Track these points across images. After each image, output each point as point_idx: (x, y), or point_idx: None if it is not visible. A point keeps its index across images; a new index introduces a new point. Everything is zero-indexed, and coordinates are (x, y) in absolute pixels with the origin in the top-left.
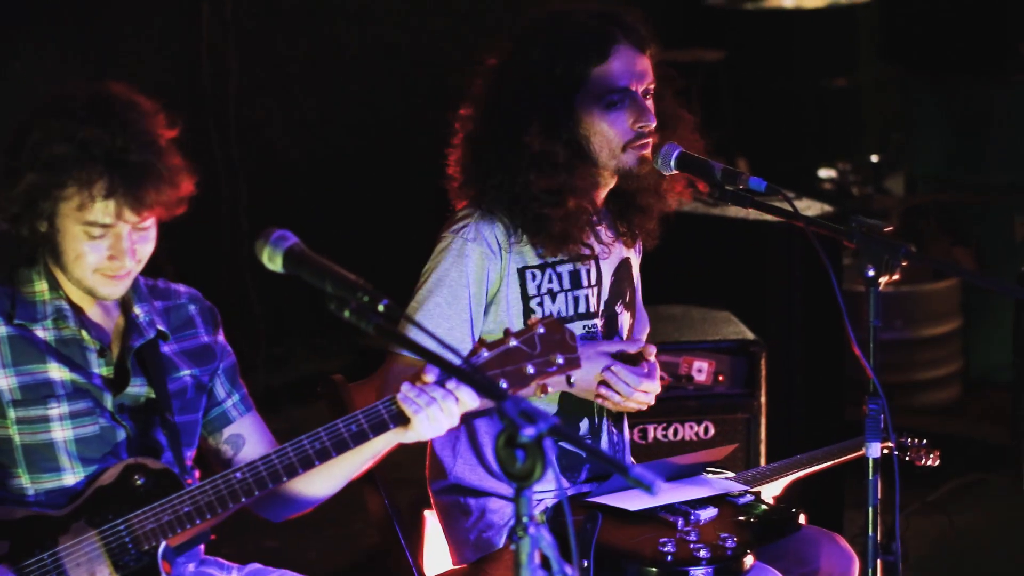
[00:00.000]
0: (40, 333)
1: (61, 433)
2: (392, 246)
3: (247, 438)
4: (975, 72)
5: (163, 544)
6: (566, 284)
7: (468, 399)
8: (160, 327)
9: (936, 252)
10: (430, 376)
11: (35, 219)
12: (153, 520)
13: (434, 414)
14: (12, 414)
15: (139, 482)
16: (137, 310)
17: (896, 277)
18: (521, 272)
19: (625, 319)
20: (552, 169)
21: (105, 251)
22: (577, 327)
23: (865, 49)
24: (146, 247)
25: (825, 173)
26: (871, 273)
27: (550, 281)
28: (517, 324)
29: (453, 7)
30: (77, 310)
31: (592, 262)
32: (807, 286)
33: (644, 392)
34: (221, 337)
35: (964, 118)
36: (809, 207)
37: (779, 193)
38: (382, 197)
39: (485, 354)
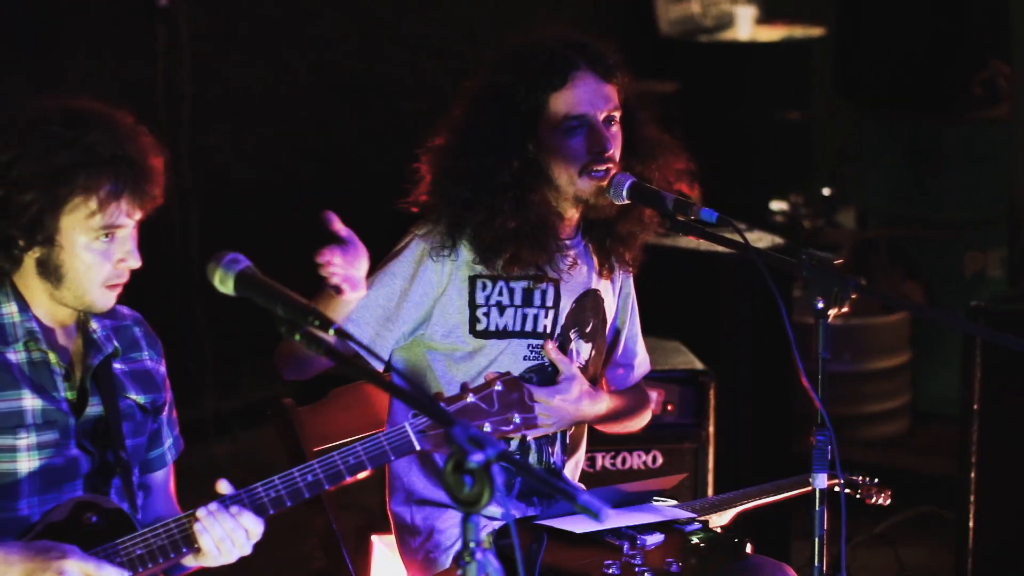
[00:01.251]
0: (12, 357)
1: (27, 464)
2: None
3: (156, 489)
4: (927, 109)
5: None
6: (517, 300)
7: (254, 526)
8: (115, 343)
9: (886, 286)
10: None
11: (29, 242)
12: (105, 561)
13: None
14: None
15: (91, 520)
16: (94, 325)
17: (845, 310)
18: (472, 280)
19: (582, 348)
20: (513, 192)
21: (115, 255)
22: (521, 345)
23: (819, 83)
24: (138, 262)
25: (777, 206)
26: (820, 305)
27: (500, 294)
28: (461, 331)
29: (405, 35)
30: (46, 331)
31: (550, 284)
32: (758, 317)
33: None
34: (163, 368)
35: (916, 154)
36: (760, 239)
37: (730, 224)
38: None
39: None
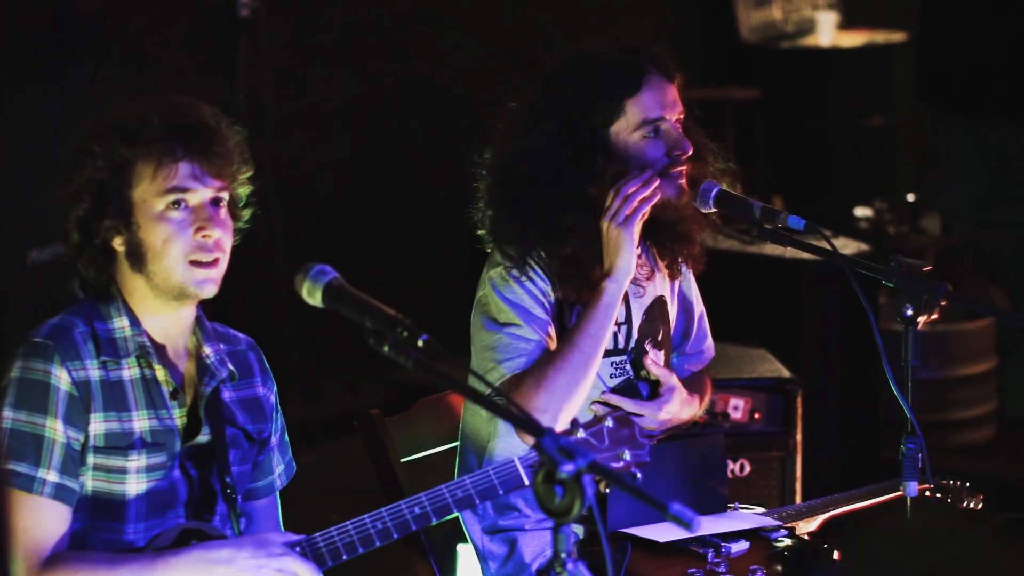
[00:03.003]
0: (124, 373)
1: (135, 486)
2: (425, 282)
3: (260, 516)
4: (1011, 113)
5: None
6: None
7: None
8: (231, 367)
9: (971, 292)
10: None
11: (107, 228)
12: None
13: None
14: (91, 459)
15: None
16: (207, 350)
17: (935, 316)
18: (560, 303)
19: (656, 357)
20: (589, 205)
21: (190, 226)
22: (605, 365)
23: (901, 89)
24: (227, 233)
25: (861, 212)
26: (910, 312)
27: (575, 318)
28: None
29: (489, 45)
30: (157, 348)
31: (621, 301)
32: (843, 324)
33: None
34: (274, 397)
35: (1000, 159)
36: (846, 246)
37: (817, 232)
38: (416, 233)
39: None
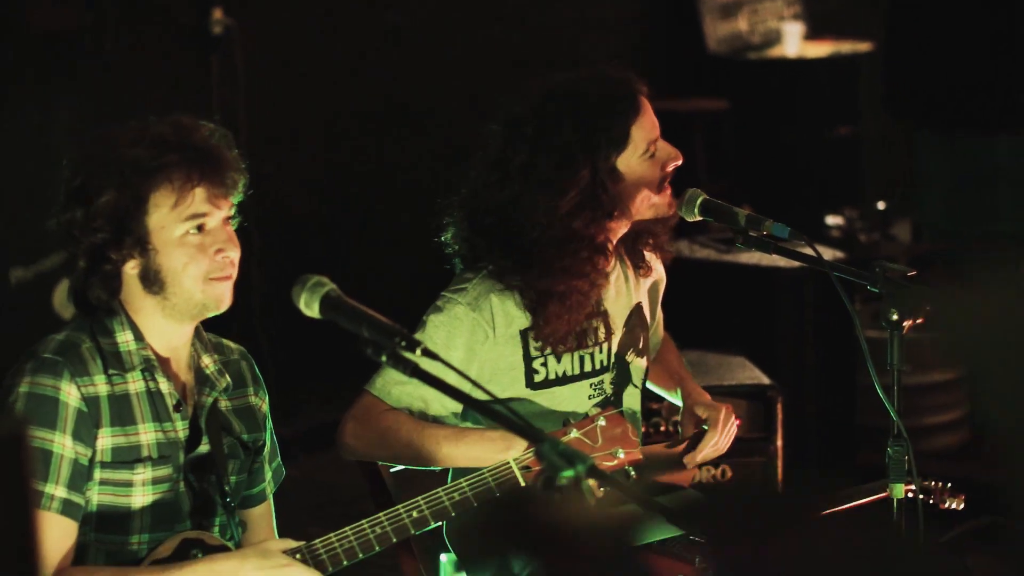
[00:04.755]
0: (130, 387)
1: (141, 499)
2: (400, 299)
3: (257, 523)
4: (979, 123)
5: None
6: (572, 344)
7: None
8: (228, 377)
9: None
10: None
11: (120, 251)
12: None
13: None
14: (98, 475)
15: (196, 557)
16: (206, 360)
17: (920, 321)
18: (524, 334)
19: (638, 364)
20: (588, 248)
21: (210, 247)
22: (583, 386)
23: (868, 99)
24: (238, 250)
25: (832, 220)
26: (895, 317)
27: (560, 348)
28: (517, 387)
29: (466, 66)
30: (161, 361)
31: (600, 318)
32: (818, 331)
33: None
34: (266, 406)
35: (969, 167)
36: (823, 253)
37: (802, 239)
38: (390, 250)
39: None
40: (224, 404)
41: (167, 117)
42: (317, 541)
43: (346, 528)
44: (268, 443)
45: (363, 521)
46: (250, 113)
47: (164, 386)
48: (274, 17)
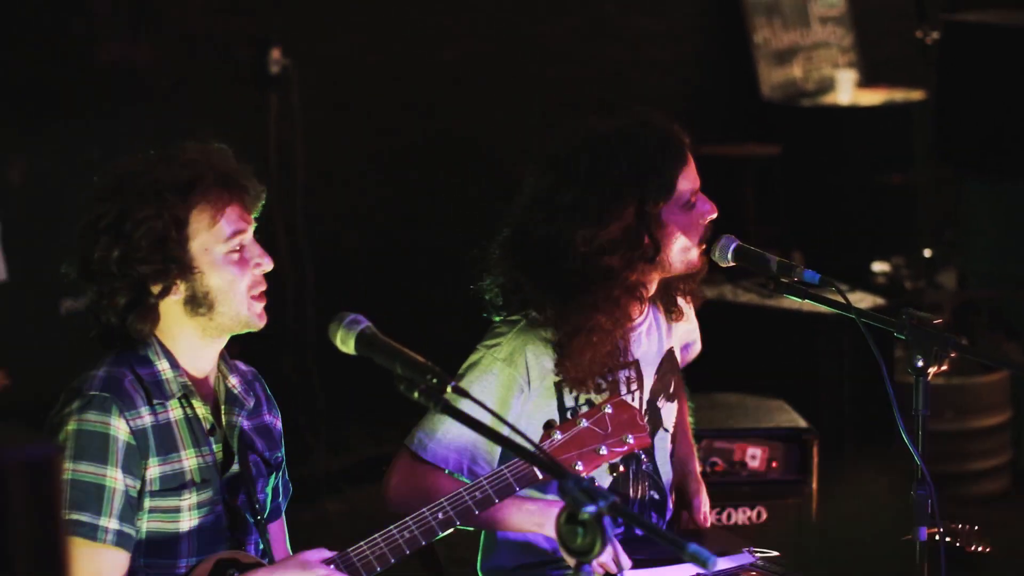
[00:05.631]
0: (171, 415)
1: (188, 523)
2: (454, 332)
3: (275, 538)
4: None
5: None
6: (604, 393)
7: None
8: (253, 397)
9: (987, 346)
10: None
11: (166, 283)
12: None
13: None
14: (147, 503)
15: None
16: (232, 380)
17: (944, 368)
18: (557, 387)
19: (669, 409)
20: (621, 286)
21: (248, 263)
22: None
23: (919, 146)
24: (271, 262)
25: (878, 267)
26: (920, 363)
27: (586, 391)
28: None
29: (521, 105)
30: (196, 384)
31: (632, 367)
32: (858, 376)
33: None
34: (279, 422)
35: (1016, 215)
36: (862, 300)
37: (832, 285)
38: (446, 288)
39: (558, 436)
40: (246, 423)
41: (180, 143)
42: (349, 550)
43: (376, 535)
44: (284, 462)
45: (391, 527)
46: (307, 151)
47: (200, 411)
48: (331, 56)
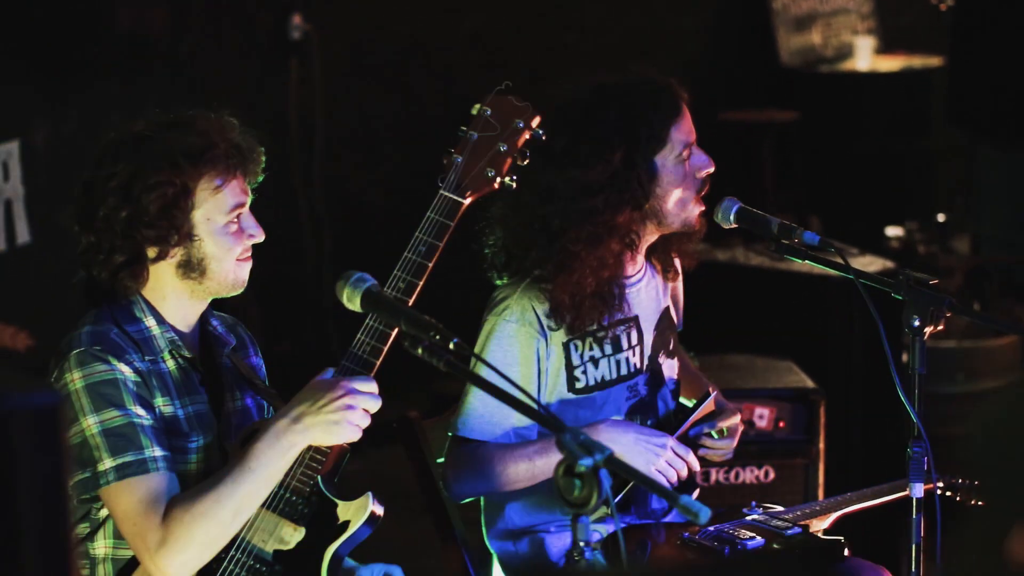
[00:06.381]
0: (165, 366)
1: (196, 465)
2: (473, 300)
3: None
4: None
5: (318, 479)
6: (608, 350)
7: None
8: (234, 338)
9: (999, 311)
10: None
11: (163, 248)
12: (296, 471)
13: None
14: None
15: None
16: (213, 323)
17: (940, 327)
18: (565, 345)
19: (668, 366)
20: (624, 232)
21: (243, 232)
22: (621, 390)
23: (937, 113)
24: (263, 233)
25: (892, 232)
26: (916, 323)
27: (591, 349)
28: (561, 391)
29: (539, 71)
30: (182, 338)
31: (632, 323)
32: (867, 337)
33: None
34: (264, 367)
35: None
36: (871, 263)
37: (832, 247)
38: (465, 252)
39: (459, 159)
40: (234, 363)
41: (193, 110)
42: (351, 348)
43: (364, 326)
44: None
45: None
46: (326, 115)
47: (190, 362)
48: (351, 22)
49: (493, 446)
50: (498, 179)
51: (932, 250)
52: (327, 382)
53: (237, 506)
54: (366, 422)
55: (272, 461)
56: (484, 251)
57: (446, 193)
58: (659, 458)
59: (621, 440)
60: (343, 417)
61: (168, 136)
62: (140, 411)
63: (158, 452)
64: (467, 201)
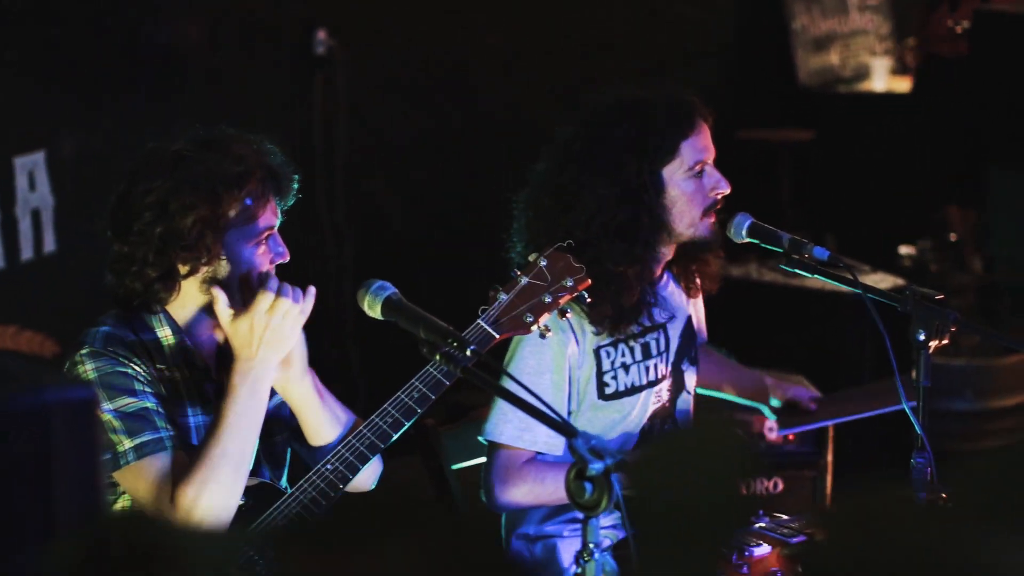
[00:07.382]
0: (176, 375)
1: None
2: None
3: None
4: None
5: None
6: (638, 356)
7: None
8: None
9: (1011, 330)
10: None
11: (194, 267)
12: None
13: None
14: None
15: (240, 502)
16: None
17: (946, 342)
18: (596, 352)
19: (691, 373)
20: (632, 242)
21: (270, 253)
22: (649, 395)
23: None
24: (288, 256)
25: (905, 250)
26: (922, 337)
27: (623, 355)
28: (591, 398)
29: (561, 89)
30: (199, 347)
31: (660, 331)
32: (876, 353)
33: None
34: None
35: None
36: (883, 280)
37: (840, 263)
38: (488, 268)
39: (504, 297)
40: None
41: (234, 132)
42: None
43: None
44: None
45: (350, 437)
46: (350, 130)
47: (203, 372)
48: (376, 38)
49: (544, 465)
50: (533, 326)
51: (944, 268)
52: (243, 318)
53: (236, 463)
54: (304, 317)
55: (248, 407)
56: (510, 255)
57: (483, 324)
58: None
59: None
60: (280, 325)
61: (207, 158)
62: (151, 399)
63: (171, 431)
64: (498, 337)
